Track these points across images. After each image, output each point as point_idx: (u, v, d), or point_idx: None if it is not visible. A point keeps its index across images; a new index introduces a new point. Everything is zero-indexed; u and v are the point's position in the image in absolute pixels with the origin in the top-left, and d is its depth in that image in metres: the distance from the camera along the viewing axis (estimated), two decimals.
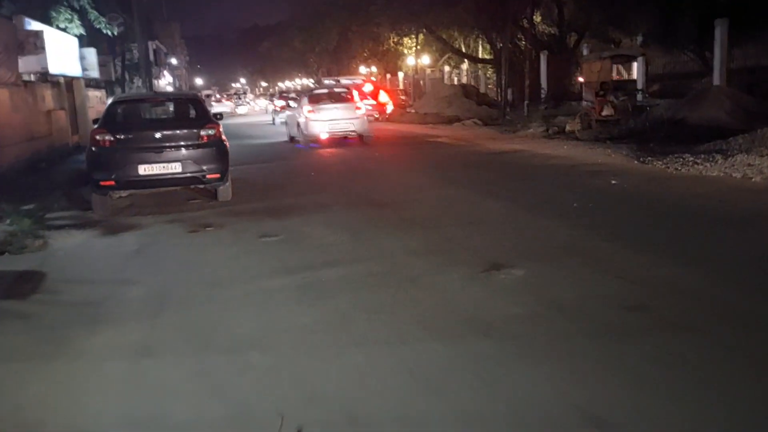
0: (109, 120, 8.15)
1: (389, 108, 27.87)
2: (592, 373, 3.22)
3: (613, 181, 8.59)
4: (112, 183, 7.89)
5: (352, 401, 3.09)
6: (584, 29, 23.09)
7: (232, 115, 40.72)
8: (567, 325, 3.85)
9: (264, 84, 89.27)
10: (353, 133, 15.66)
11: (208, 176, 8.14)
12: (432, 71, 35.63)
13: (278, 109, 26.60)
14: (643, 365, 3.28)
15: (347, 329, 3.98)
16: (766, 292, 4.27)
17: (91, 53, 19.34)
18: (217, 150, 8.22)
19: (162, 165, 7.91)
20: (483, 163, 11.59)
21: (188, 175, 8.04)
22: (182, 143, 8.05)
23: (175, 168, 7.96)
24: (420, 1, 25.60)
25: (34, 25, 14.50)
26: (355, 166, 12.29)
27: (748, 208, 6.84)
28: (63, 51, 16.15)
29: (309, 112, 15.45)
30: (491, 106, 24.44)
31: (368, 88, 28.97)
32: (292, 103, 21.56)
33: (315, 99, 16.04)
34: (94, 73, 19.91)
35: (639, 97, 16.12)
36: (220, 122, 8.79)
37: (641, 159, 10.42)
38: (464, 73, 32.99)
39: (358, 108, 16.05)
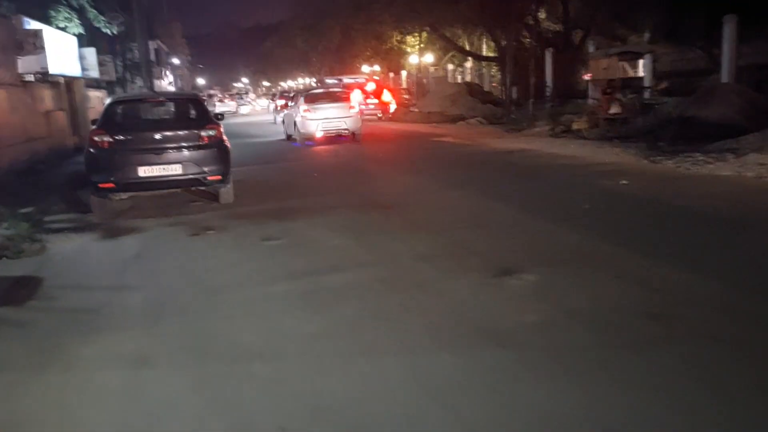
0: (107, 121, 7.99)
1: (392, 107, 27.72)
2: (613, 386, 3.05)
3: (624, 182, 8.39)
4: (112, 185, 7.73)
5: (359, 416, 2.94)
6: (590, 26, 22.89)
7: (235, 114, 40.76)
8: (584, 335, 3.67)
9: (266, 83, 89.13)
10: (346, 131, 16.31)
11: (209, 178, 7.98)
12: (435, 69, 35.44)
13: (279, 108, 26.79)
14: (668, 378, 3.10)
15: (353, 338, 3.81)
16: None
17: (91, 53, 19.19)
18: (218, 151, 8.06)
19: (162, 167, 7.75)
20: (489, 163, 11.40)
21: (189, 176, 7.88)
22: (182, 144, 7.89)
23: (176, 170, 7.80)
24: None
25: (33, 25, 14.34)
26: (359, 166, 12.13)
27: (765, 209, 6.64)
28: (62, 50, 16.00)
29: (305, 111, 16.15)
30: (496, 105, 24.24)
31: (371, 86, 28.87)
32: (291, 103, 21.86)
33: (311, 99, 16.72)
34: (94, 73, 19.76)
35: (646, 94, 15.91)
36: (221, 122, 8.63)
37: (651, 158, 10.22)
38: (468, 71, 32.80)
39: (351, 107, 16.67)
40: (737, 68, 15.22)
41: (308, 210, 7.77)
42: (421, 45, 34.26)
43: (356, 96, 27.83)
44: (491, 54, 30.32)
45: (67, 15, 17.86)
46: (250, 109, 47.82)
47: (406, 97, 32.26)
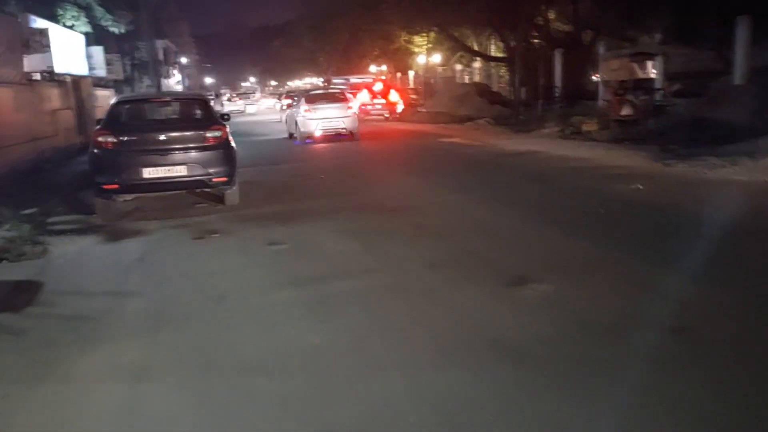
0: (111, 121, 7.87)
1: (400, 107, 27.56)
2: (634, 406, 2.89)
3: (639, 186, 8.20)
4: (116, 186, 7.60)
5: None
6: (600, 26, 22.62)
7: (242, 113, 40.82)
8: (606, 350, 3.50)
9: (274, 83, 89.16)
10: (344, 130, 17.01)
11: (214, 180, 7.84)
12: (443, 70, 35.23)
13: (285, 107, 27.00)
14: (696, 398, 2.93)
15: (360, 352, 3.66)
16: None
17: (98, 51, 19.14)
18: (224, 153, 7.92)
19: (167, 168, 7.62)
20: (498, 166, 11.23)
21: (194, 178, 7.75)
22: (188, 145, 7.75)
23: (181, 171, 7.66)
24: None
25: (39, 23, 14.27)
26: (366, 168, 11.99)
27: None
28: (69, 49, 15.93)
29: (305, 111, 16.93)
30: (504, 106, 24.01)
31: (379, 86, 28.71)
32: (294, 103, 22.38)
33: (311, 99, 17.46)
34: (101, 71, 19.72)
35: (657, 96, 15.67)
36: (228, 123, 8.50)
37: (664, 161, 10.01)
38: (476, 71, 32.57)
39: (349, 108, 17.48)
40: (750, 70, 14.98)
41: (314, 213, 7.63)
42: (429, 45, 34.08)
43: (363, 96, 27.87)
44: (500, 54, 30.09)
45: (74, 13, 17.81)
46: (257, 109, 47.86)
47: (414, 97, 32.10)
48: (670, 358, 3.37)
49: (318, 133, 16.80)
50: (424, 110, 27.27)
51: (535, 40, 25.77)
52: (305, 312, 4.35)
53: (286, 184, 10.16)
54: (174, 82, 47.82)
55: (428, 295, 4.54)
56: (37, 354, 3.90)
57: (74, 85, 17.26)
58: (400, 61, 39.73)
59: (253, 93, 61.06)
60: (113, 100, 8.81)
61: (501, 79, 30.13)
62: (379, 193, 8.90)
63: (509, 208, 7.44)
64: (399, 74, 39.33)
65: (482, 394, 3.11)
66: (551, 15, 25.42)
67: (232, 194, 8.32)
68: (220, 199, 8.45)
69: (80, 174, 11.24)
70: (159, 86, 23.03)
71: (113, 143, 7.54)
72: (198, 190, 8.41)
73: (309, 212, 7.70)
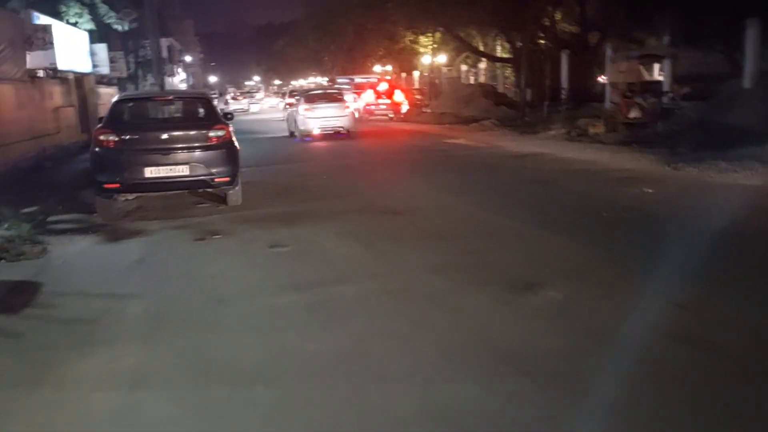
0: (113, 119, 7.76)
1: (404, 107, 27.46)
2: (650, 425, 2.77)
3: (648, 190, 8.08)
4: (117, 186, 7.51)
5: None
6: (607, 28, 22.45)
7: (246, 112, 40.91)
8: (620, 362, 3.37)
9: (278, 82, 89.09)
10: (342, 129, 17.76)
11: (216, 180, 7.74)
12: (449, 70, 35.11)
13: (288, 106, 27.18)
14: (719, 419, 2.80)
15: (363, 361, 3.55)
16: None
17: (102, 49, 19.08)
18: (227, 152, 7.81)
19: (169, 167, 7.52)
20: (504, 167, 11.11)
21: (196, 178, 7.65)
22: (190, 145, 7.66)
23: (183, 171, 7.56)
24: None
25: (42, 20, 14.19)
26: (369, 169, 11.90)
27: None
28: (72, 46, 15.87)
29: (305, 110, 17.60)
30: (509, 107, 23.89)
31: (383, 86, 28.62)
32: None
33: (310, 99, 18.24)
34: (105, 69, 19.67)
35: (666, 99, 15.54)
36: (231, 122, 8.40)
37: (673, 165, 9.87)
38: (482, 72, 32.44)
39: (346, 107, 18.37)
40: (759, 72, 14.82)
41: (317, 214, 7.53)
42: (435, 45, 33.94)
43: (367, 96, 27.84)
44: (506, 55, 29.93)
45: (77, 10, 17.73)
46: (260, 108, 47.90)
47: (419, 97, 32.03)
48: (685, 373, 3.25)
49: (316, 131, 17.42)
50: (428, 111, 27.18)
51: (542, 41, 25.61)
52: (306, 317, 4.26)
53: (289, 185, 10.04)
54: (178, 80, 47.83)
55: (432, 301, 4.44)
56: (33, 357, 3.82)
57: (77, 82, 17.20)
58: (405, 61, 39.59)
59: (257, 92, 61.16)
60: (115, 98, 8.73)
61: (507, 80, 29.99)
62: (382, 195, 8.80)
63: (515, 210, 7.33)
64: (404, 74, 39.23)
65: (491, 407, 3.00)
66: (558, 16, 25.26)
67: (235, 194, 8.21)
68: (222, 198, 8.36)
69: (82, 172, 11.16)
70: (162, 84, 22.93)
71: (115, 142, 7.45)
72: (200, 190, 8.32)
73: (312, 213, 7.60)
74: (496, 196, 8.31)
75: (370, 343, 3.77)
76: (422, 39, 35.88)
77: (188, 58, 57.96)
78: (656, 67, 18.07)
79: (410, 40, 37.06)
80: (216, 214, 7.86)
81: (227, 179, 7.81)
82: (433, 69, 34.68)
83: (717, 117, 13.20)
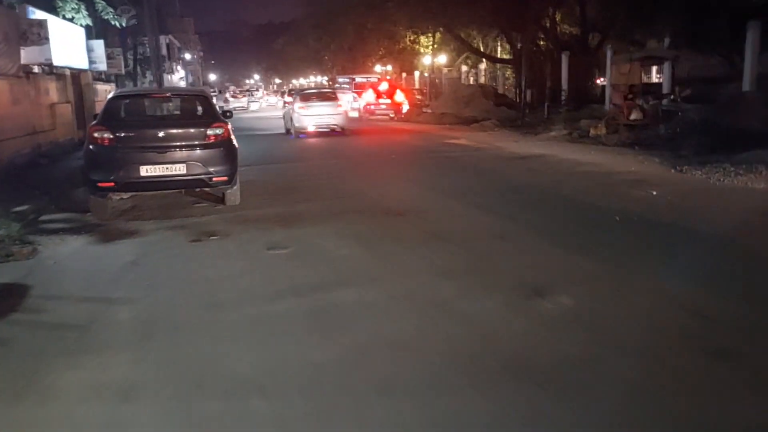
0: (108, 116, 7.56)
1: (405, 107, 27.32)
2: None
3: (654, 192, 7.90)
4: (111, 184, 7.29)
5: None
6: (608, 30, 22.30)
7: (245, 110, 41.00)
8: (637, 374, 3.20)
9: (278, 81, 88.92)
10: (335, 126, 18.40)
11: (214, 179, 7.54)
12: (449, 71, 34.98)
13: (286, 104, 27.58)
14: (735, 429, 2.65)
15: (364, 371, 3.38)
16: None
17: (99, 45, 18.86)
18: (225, 151, 7.62)
19: (165, 166, 7.31)
20: (507, 169, 10.93)
21: (193, 177, 7.44)
22: (187, 143, 7.45)
23: (180, 169, 7.36)
24: None
25: (38, 14, 13.96)
26: (369, 169, 11.71)
27: None
28: (69, 42, 15.64)
29: (300, 108, 18.18)
30: (510, 107, 23.76)
31: (384, 86, 28.51)
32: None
33: (305, 97, 18.89)
34: (102, 65, 19.46)
35: (667, 101, 15.40)
36: (230, 120, 8.21)
37: (677, 168, 9.71)
38: (482, 72, 32.31)
39: (339, 106, 18.97)
40: (759, 76, 14.69)
41: (316, 215, 7.34)
42: (435, 45, 33.83)
43: (368, 95, 27.75)
44: (506, 56, 29.82)
45: (74, 6, 17.48)
46: (259, 106, 47.85)
47: (419, 97, 31.93)
48: (708, 384, 3.08)
49: (311, 129, 18.10)
50: (429, 111, 27.04)
51: (542, 42, 25.50)
52: (306, 324, 4.07)
53: (289, 184, 9.83)
54: (177, 78, 47.62)
55: (439, 307, 4.26)
56: (18, 366, 3.62)
57: (73, 78, 16.98)
58: (406, 61, 39.49)
59: (257, 90, 61.10)
60: (110, 95, 8.52)
61: (507, 81, 29.90)
62: (383, 195, 8.62)
63: (522, 212, 7.16)
64: (404, 74, 39.09)
65: (502, 420, 2.83)
66: (558, 17, 25.14)
67: (233, 194, 8.02)
68: (219, 198, 8.17)
69: (77, 170, 10.93)
70: (160, 82, 22.71)
71: (110, 139, 7.25)
72: (197, 190, 8.13)
73: (311, 214, 7.42)
74: (502, 197, 8.14)
75: (372, 353, 3.59)
76: (422, 39, 35.78)
77: (187, 56, 57.74)
78: (654, 69, 17.93)
79: (411, 40, 36.97)
80: (213, 214, 7.66)
81: (225, 178, 7.61)
82: (434, 69, 34.54)
83: (718, 120, 13.05)
